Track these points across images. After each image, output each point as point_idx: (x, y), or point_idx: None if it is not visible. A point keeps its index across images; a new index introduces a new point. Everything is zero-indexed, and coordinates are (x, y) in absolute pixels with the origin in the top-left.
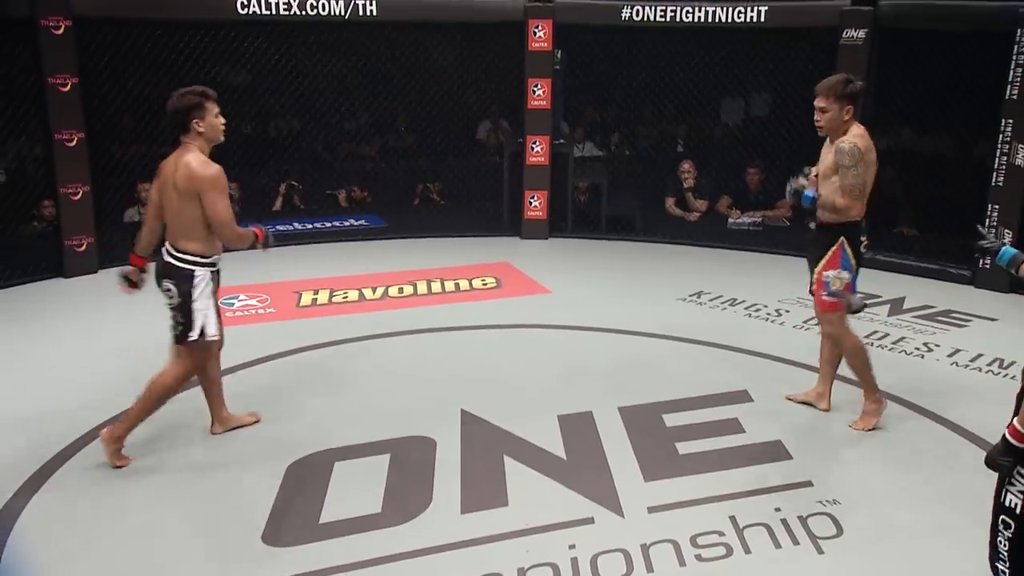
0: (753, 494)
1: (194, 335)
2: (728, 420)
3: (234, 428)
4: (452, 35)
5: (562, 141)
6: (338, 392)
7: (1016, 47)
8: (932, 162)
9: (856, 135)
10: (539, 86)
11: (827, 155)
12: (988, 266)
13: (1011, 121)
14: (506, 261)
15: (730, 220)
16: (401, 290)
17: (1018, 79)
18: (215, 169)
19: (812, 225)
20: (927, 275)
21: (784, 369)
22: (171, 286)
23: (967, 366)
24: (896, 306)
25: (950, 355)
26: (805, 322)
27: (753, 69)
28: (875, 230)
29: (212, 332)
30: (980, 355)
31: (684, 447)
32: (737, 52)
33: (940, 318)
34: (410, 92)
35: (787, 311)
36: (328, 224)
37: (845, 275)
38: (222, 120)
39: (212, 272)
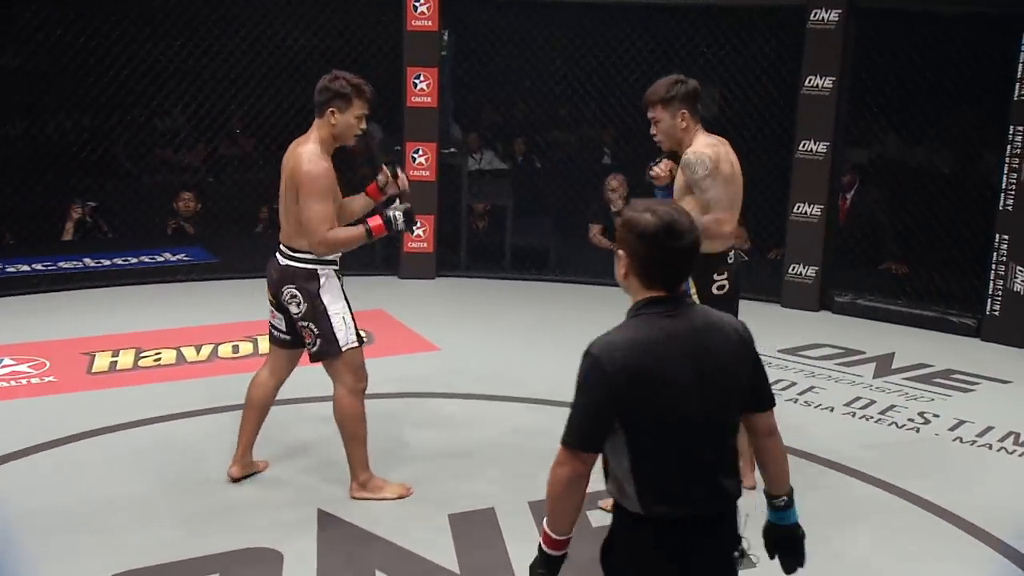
0: None
1: (343, 343)
2: None
3: (251, 475)
4: (305, 9)
5: (453, 150)
6: (144, 490)
7: None
8: (925, 179)
9: (704, 144)
10: (422, 77)
11: (678, 174)
12: (997, 313)
13: (1020, 128)
14: (379, 308)
15: None
16: (236, 348)
17: None
18: (322, 167)
19: None
20: (921, 324)
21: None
22: (295, 291)
23: (974, 442)
24: (883, 365)
25: (952, 428)
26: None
27: (699, 58)
28: (856, 267)
29: (352, 339)
30: (990, 428)
31: None
32: (680, 37)
33: (939, 380)
34: (249, 83)
35: None
36: (135, 260)
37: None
38: (362, 125)
39: (335, 271)
